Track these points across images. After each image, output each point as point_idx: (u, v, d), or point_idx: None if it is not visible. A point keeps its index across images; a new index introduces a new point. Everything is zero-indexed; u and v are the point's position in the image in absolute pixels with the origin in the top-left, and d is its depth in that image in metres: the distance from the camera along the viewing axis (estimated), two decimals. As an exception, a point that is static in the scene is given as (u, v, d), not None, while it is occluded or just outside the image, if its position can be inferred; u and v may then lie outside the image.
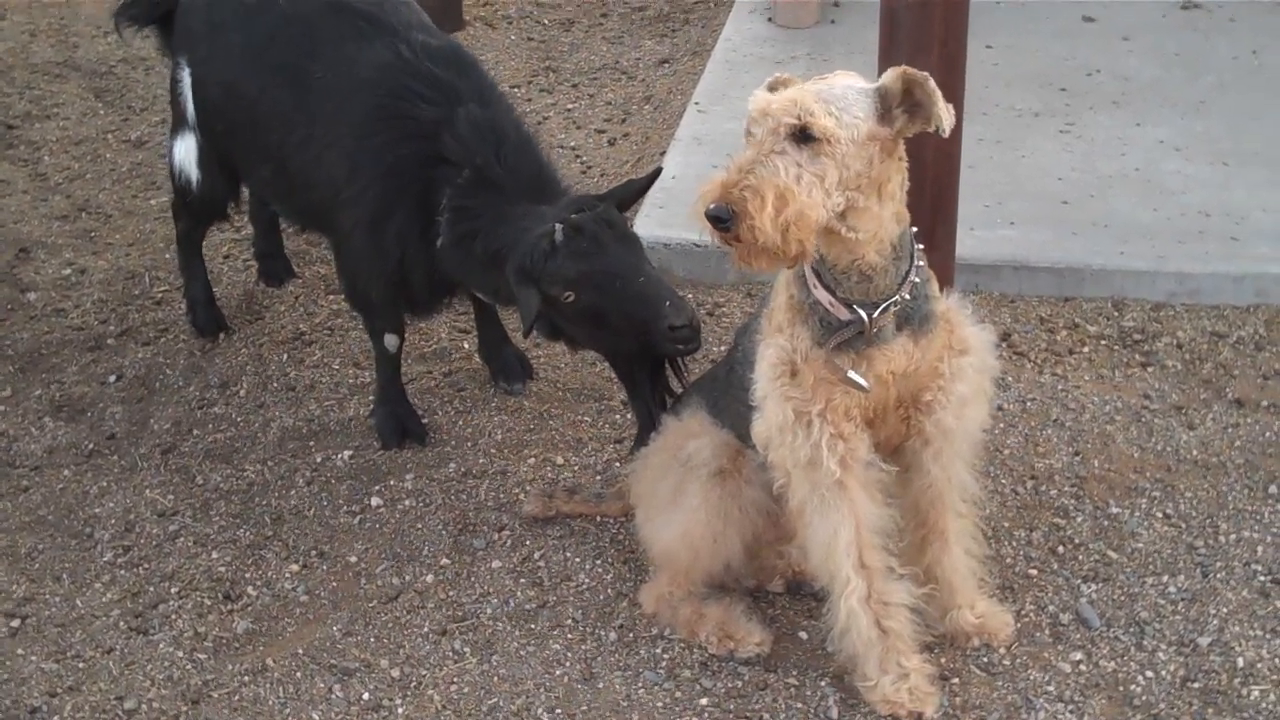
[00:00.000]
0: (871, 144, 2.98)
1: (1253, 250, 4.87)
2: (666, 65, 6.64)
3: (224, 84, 4.34)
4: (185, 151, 4.62)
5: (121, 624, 3.79)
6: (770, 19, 6.69)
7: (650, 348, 3.78)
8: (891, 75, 3.00)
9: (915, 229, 3.18)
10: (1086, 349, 4.58)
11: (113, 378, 4.75)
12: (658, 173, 4.00)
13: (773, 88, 3.05)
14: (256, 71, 4.24)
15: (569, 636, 3.66)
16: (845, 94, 2.97)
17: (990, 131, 5.54)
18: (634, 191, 3.92)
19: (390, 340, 4.30)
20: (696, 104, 6.02)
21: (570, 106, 6.33)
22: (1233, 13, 6.51)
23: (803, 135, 2.93)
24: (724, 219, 2.91)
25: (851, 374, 3.15)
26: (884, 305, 3.12)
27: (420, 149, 3.96)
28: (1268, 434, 4.18)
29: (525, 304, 3.74)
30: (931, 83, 2.98)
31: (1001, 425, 4.21)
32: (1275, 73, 6.05)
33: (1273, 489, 3.98)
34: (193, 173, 4.62)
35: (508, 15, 7.18)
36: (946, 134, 3.03)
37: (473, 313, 4.59)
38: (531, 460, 4.28)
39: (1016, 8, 6.60)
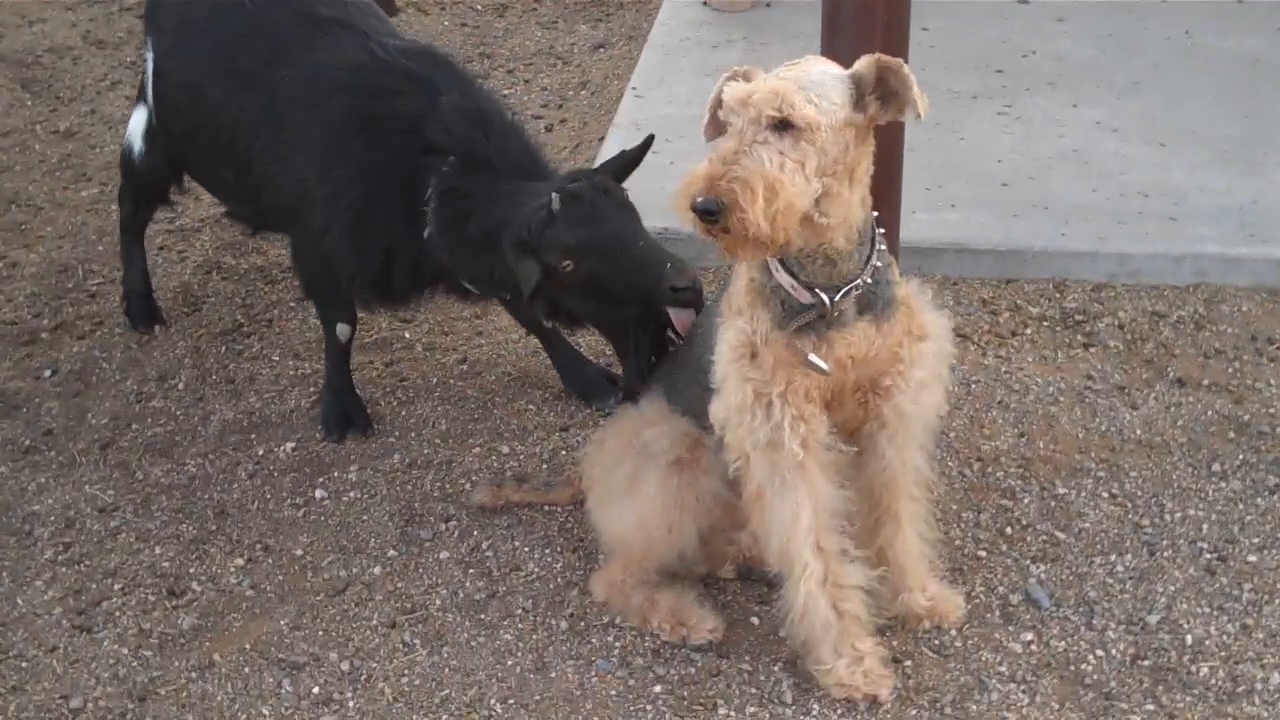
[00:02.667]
0: (847, 130, 2.99)
1: (1191, 230, 4.90)
2: (602, 50, 6.61)
3: (187, 86, 4.30)
4: (136, 123, 4.62)
5: (64, 622, 3.73)
6: (705, 3, 6.67)
7: (651, 314, 3.72)
8: (866, 62, 3.00)
9: (876, 214, 3.17)
10: (1029, 330, 4.59)
11: (48, 372, 4.68)
12: (649, 141, 3.91)
13: (736, 79, 3.04)
14: (222, 77, 4.20)
15: (520, 626, 3.64)
16: (823, 80, 2.97)
17: (929, 114, 5.53)
18: (627, 163, 3.85)
19: (342, 330, 4.27)
20: (634, 89, 5.99)
21: (506, 93, 6.27)
22: (1164, -6, 6.56)
23: (784, 124, 2.92)
24: (713, 211, 2.89)
25: (812, 357, 3.14)
26: (845, 289, 3.12)
27: (402, 143, 3.92)
28: (1209, 412, 4.22)
29: (525, 275, 3.67)
30: (906, 69, 2.98)
31: (947, 407, 4.20)
32: (1208, 53, 6.10)
33: (1216, 467, 4.01)
34: (137, 144, 4.61)
35: (440, 1, 7.12)
36: (922, 120, 3.03)
37: (540, 343, 4.52)
38: (477, 450, 4.25)
39: (951, -10, 6.63)
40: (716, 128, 3.10)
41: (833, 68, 3.02)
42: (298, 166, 4.07)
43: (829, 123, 2.94)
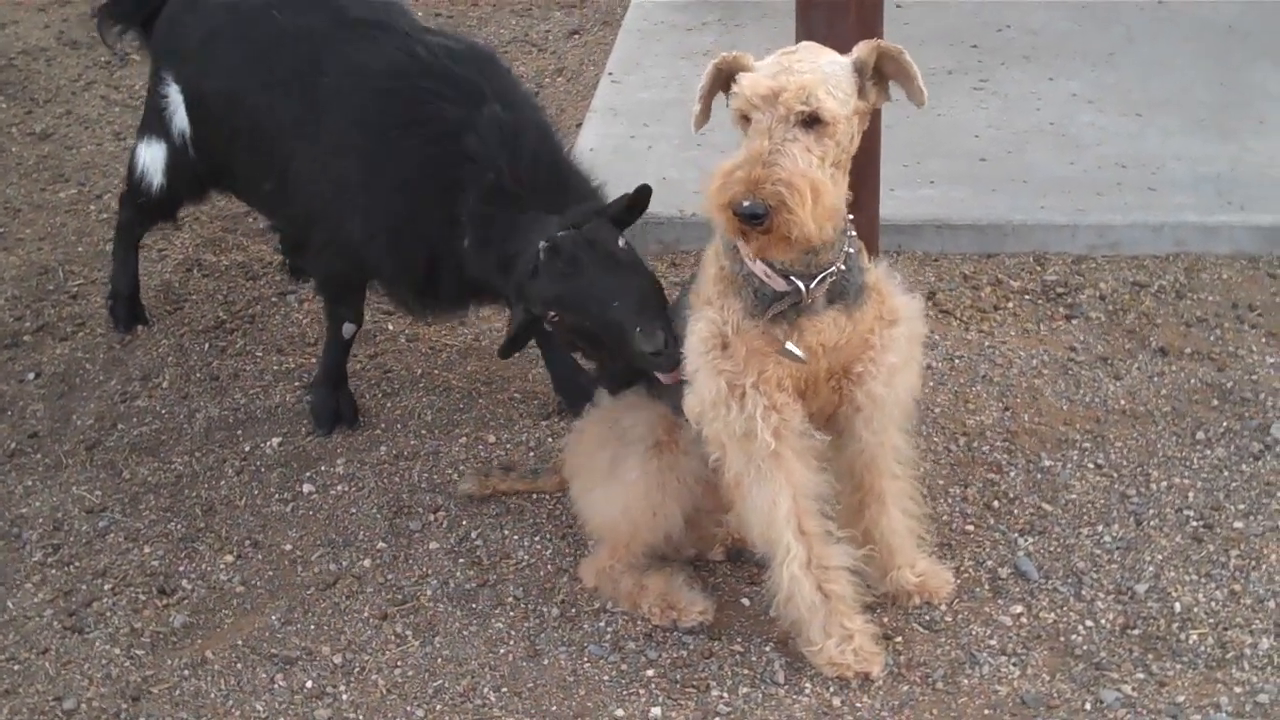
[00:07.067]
0: (855, 118, 3.02)
1: (1169, 200, 4.91)
2: (577, 36, 6.60)
3: (224, 96, 4.21)
4: (153, 158, 4.50)
5: (55, 624, 3.73)
6: (679, -14, 6.67)
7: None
8: (866, 48, 3.02)
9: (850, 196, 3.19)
10: (1011, 304, 4.61)
11: (31, 375, 4.67)
12: (648, 193, 3.68)
13: (728, 68, 3.05)
14: (258, 85, 4.12)
15: (511, 614, 3.64)
16: (835, 71, 2.99)
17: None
18: (631, 209, 3.65)
19: (348, 329, 4.26)
20: (610, 74, 5.99)
21: (482, 81, 6.26)
22: (1137, -36, 6.56)
23: (811, 120, 2.93)
24: (760, 215, 2.89)
25: (789, 345, 3.14)
26: (821, 276, 3.12)
27: (443, 151, 3.81)
28: (1193, 381, 4.23)
29: (515, 319, 3.65)
30: (907, 56, 3.01)
31: (931, 383, 4.23)
32: (1182, 22, 6.11)
33: (1200, 435, 4.03)
34: (156, 179, 4.51)
35: (414, -9, 7.11)
36: (923, 106, 3.06)
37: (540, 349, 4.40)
38: (463, 440, 4.25)
39: (924, -34, 6.62)
40: (706, 116, 3.12)
41: (837, 56, 3.04)
42: (338, 170, 3.98)
43: (845, 114, 2.97)
